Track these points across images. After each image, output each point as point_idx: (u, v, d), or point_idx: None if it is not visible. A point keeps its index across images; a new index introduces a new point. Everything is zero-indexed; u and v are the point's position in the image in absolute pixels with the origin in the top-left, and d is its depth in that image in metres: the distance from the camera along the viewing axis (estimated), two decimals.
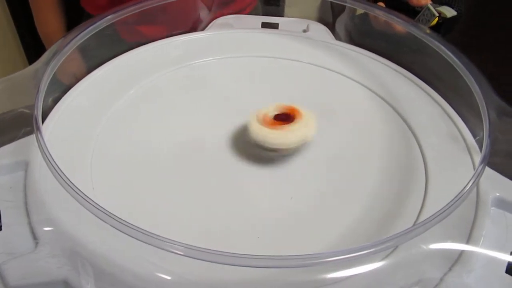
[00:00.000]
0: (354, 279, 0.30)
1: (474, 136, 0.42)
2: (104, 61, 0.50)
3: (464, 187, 0.31)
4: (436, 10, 0.53)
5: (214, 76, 0.50)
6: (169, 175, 0.39)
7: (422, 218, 0.35)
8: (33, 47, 1.07)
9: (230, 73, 0.51)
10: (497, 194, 0.36)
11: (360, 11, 0.61)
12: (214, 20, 0.61)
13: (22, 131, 0.39)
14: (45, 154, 0.32)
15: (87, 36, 0.45)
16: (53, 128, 0.41)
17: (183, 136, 0.42)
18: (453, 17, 0.53)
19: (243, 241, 0.34)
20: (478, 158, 0.40)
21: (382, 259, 0.31)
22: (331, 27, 0.61)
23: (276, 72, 0.52)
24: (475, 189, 0.36)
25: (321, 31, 0.59)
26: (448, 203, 0.30)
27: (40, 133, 0.33)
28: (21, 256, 0.30)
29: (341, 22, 0.66)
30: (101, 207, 0.28)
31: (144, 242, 0.26)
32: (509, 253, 0.33)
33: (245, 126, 0.40)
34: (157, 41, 0.54)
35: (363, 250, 0.27)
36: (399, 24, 0.51)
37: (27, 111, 0.39)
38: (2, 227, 0.32)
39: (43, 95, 0.38)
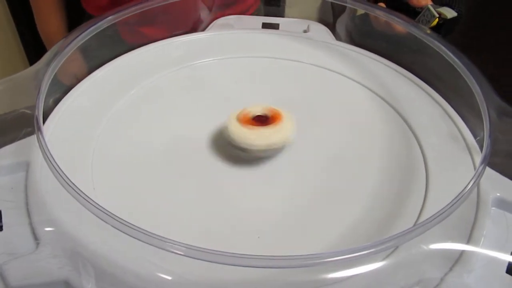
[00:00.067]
0: (355, 279, 0.30)
1: (475, 136, 0.42)
2: (105, 61, 0.50)
3: (465, 187, 0.31)
4: (436, 11, 0.53)
5: (214, 77, 0.51)
6: (170, 175, 0.39)
7: (422, 218, 0.35)
8: (33, 45, 1.07)
9: (230, 73, 0.51)
10: (498, 194, 0.36)
11: (360, 11, 0.61)
12: (215, 21, 0.61)
13: (23, 131, 0.39)
14: (46, 154, 0.32)
15: (88, 37, 0.45)
16: (54, 128, 0.41)
17: (183, 136, 0.42)
18: (453, 18, 0.53)
19: (244, 241, 0.34)
20: (478, 158, 0.40)
21: (383, 259, 0.31)
22: (332, 27, 0.61)
23: (276, 73, 0.52)
24: (475, 189, 0.36)
25: (321, 31, 0.59)
26: (449, 203, 0.30)
27: (41, 133, 0.33)
28: (22, 257, 0.30)
29: (342, 23, 0.66)
30: (102, 207, 0.28)
31: (145, 242, 0.27)
32: (510, 253, 0.33)
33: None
34: (157, 42, 0.54)
35: (363, 250, 0.27)
36: (399, 25, 0.51)
37: (28, 111, 0.39)
38: (3, 228, 0.32)
39: (44, 96, 0.38)
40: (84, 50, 0.47)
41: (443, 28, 0.53)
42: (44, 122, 0.41)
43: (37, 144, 0.33)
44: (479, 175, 0.32)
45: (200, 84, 0.49)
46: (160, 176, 0.39)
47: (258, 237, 0.34)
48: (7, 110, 0.41)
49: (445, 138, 0.43)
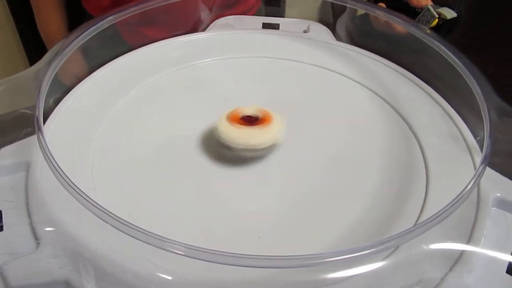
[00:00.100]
0: (355, 279, 0.30)
1: (475, 136, 0.42)
2: (105, 61, 0.50)
3: (465, 188, 0.31)
4: (436, 11, 0.53)
5: (215, 77, 0.51)
6: (170, 175, 0.39)
7: (422, 218, 0.35)
8: (33, 45, 1.07)
9: (231, 73, 0.51)
10: (498, 194, 0.36)
11: (360, 11, 0.61)
12: (215, 21, 0.61)
13: (23, 131, 0.39)
14: (46, 154, 0.32)
15: (89, 37, 0.45)
16: (55, 128, 0.41)
17: (183, 136, 0.42)
18: (453, 19, 0.53)
19: (244, 241, 0.34)
20: (478, 158, 0.40)
21: (383, 259, 0.31)
22: (332, 27, 0.61)
23: (276, 73, 0.52)
24: (475, 190, 0.36)
25: (321, 31, 0.59)
26: (449, 203, 0.30)
27: (42, 133, 0.33)
28: (22, 257, 0.30)
29: (342, 23, 0.66)
30: (102, 207, 0.28)
31: (145, 242, 0.27)
32: (510, 253, 0.33)
33: None
34: (158, 42, 0.54)
35: (363, 250, 0.27)
36: (399, 25, 0.51)
37: (28, 112, 0.39)
38: (4, 228, 0.32)
39: (45, 96, 0.38)
40: (84, 50, 0.47)
41: (442, 29, 0.53)
42: (44, 122, 0.41)
43: (37, 144, 0.33)
44: (479, 175, 0.32)
45: (200, 84, 0.49)
46: (160, 176, 0.39)
47: (259, 237, 0.34)
48: (8, 110, 0.42)
49: (445, 138, 0.43)
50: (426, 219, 0.29)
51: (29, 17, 0.74)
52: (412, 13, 0.55)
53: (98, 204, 0.28)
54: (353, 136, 0.44)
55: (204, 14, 0.66)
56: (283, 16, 0.69)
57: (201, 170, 0.39)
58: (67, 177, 0.30)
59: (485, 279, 0.31)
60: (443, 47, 0.45)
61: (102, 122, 0.43)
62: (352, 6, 0.56)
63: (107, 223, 0.27)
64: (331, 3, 0.65)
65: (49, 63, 0.41)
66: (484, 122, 0.38)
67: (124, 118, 0.44)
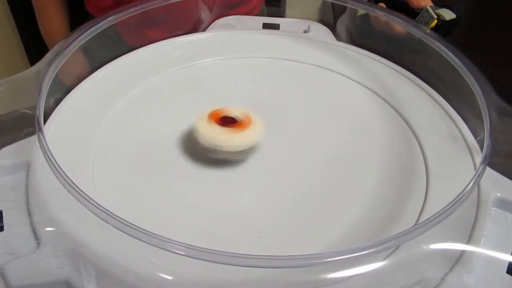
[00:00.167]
0: (355, 279, 0.30)
1: (475, 136, 0.42)
2: (106, 62, 0.50)
3: (465, 188, 0.31)
4: (435, 12, 0.53)
5: (215, 77, 0.51)
6: (170, 175, 0.39)
7: (423, 218, 0.35)
8: (33, 45, 1.07)
9: (231, 74, 0.51)
10: (498, 194, 0.36)
11: (361, 11, 0.61)
12: (215, 21, 0.61)
13: (24, 131, 0.39)
14: (46, 154, 0.32)
15: (89, 37, 0.45)
16: (55, 128, 0.41)
17: (184, 136, 0.42)
18: (452, 20, 0.53)
19: (244, 241, 0.34)
20: (479, 158, 0.40)
21: (383, 259, 0.31)
22: (332, 27, 0.61)
23: (277, 73, 0.52)
24: (476, 190, 0.36)
25: (322, 31, 0.59)
26: (449, 203, 0.30)
27: (42, 133, 0.34)
28: (23, 257, 0.30)
29: (342, 23, 0.66)
30: (103, 207, 0.28)
31: (146, 242, 0.27)
32: (510, 253, 0.33)
33: None
34: (158, 42, 0.54)
35: (364, 250, 0.27)
36: (399, 25, 0.51)
37: (29, 112, 0.39)
38: (4, 228, 0.33)
39: (45, 96, 0.38)
40: (85, 50, 0.47)
41: (441, 30, 0.53)
42: (45, 122, 0.41)
43: (38, 144, 0.33)
44: (479, 175, 0.32)
45: (200, 84, 0.49)
46: (160, 176, 0.39)
47: (259, 237, 0.34)
48: (8, 110, 0.42)
49: (445, 138, 0.43)
50: (426, 219, 0.29)
51: (29, 17, 0.74)
52: (412, 13, 0.55)
53: (98, 204, 0.28)
54: (353, 136, 0.44)
55: (205, 14, 0.66)
56: (283, 16, 0.69)
57: (201, 170, 0.39)
58: (67, 177, 0.30)
59: (485, 279, 0.31)
60: (443, 47, 0.45)
61: (103, 122, 0.43)
62: (352, 6, 0.56)
63: (107, 223, 0.27)
64: (332, 3, 0.65)
65: (49, 63, 0.41)
66: (484, 122, 0.38)
67: (125, 118, 0.44)
